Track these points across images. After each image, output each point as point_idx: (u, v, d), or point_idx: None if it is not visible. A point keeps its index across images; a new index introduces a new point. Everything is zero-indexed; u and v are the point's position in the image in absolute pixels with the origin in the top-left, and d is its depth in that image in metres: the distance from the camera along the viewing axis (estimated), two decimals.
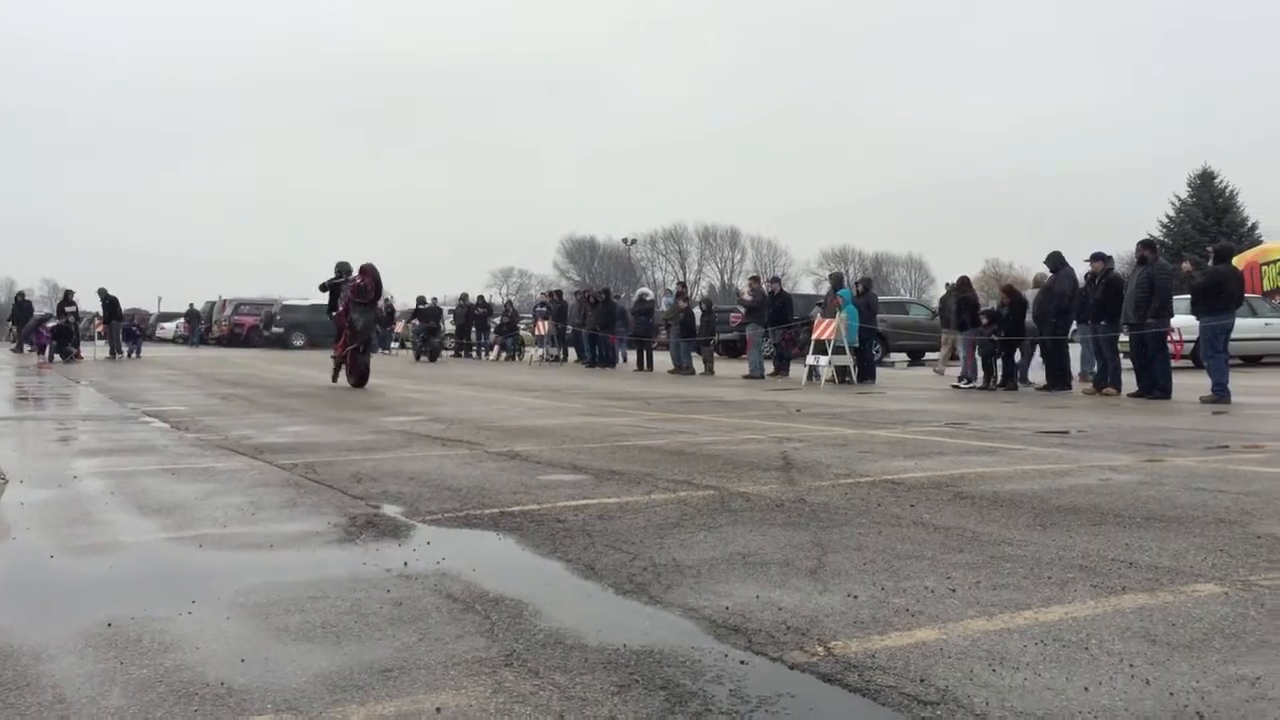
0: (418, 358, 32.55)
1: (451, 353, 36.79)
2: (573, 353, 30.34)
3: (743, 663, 3.14)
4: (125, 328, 33.65)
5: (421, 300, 35.43)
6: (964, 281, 19.98)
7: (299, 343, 44.46)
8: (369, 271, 17.95)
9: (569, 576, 4.29)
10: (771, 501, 5.96)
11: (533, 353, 32.19)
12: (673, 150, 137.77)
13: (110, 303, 32.61)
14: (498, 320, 35.36)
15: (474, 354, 35.82)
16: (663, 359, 25.90)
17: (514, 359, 32.68)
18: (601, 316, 27.30)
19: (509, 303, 42.65)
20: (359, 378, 17.75)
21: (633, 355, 26.86)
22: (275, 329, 45.53)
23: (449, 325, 38.54)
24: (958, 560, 4.45)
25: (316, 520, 5.55)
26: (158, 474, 7.35)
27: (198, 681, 2.99)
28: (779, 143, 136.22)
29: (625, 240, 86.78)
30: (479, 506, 5.87)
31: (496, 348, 34.51)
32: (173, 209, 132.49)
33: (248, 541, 5.04)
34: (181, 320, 53.18)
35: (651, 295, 29.97)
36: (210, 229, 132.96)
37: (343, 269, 18.69)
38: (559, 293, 35.45)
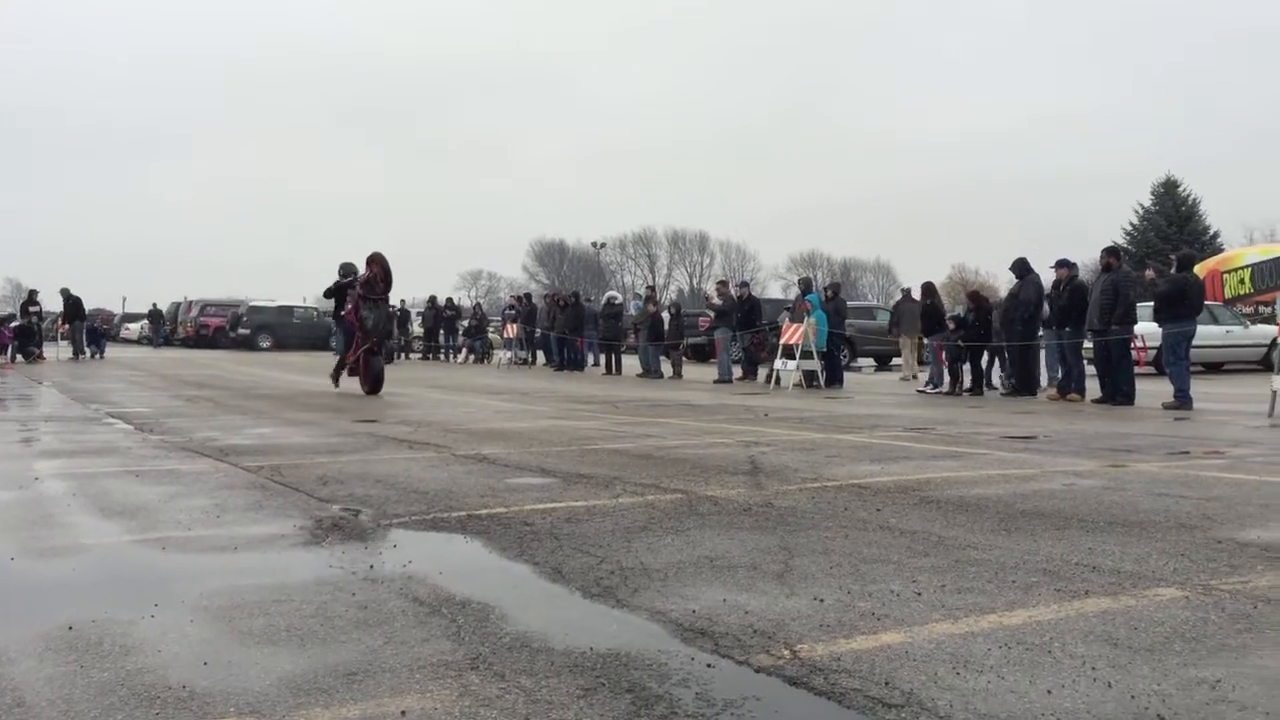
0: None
1: (420, 355, 36.64)
2: (541, 356, 30.30)
3: (709, 666, 3.14)
4: (89, 327, 33.30)
5: None
6: (929, 288, 20.10)
7: (265, 344, 44.13)
8: (378, 261, 16.04)
9: (536, 580, 4.28)
10: (739, 505, 5.98)
11: (501, 355, 32.10)
12: (643, 155, 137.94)
13: (73, 302, 32.25)
14: (466, 323, 35.25)
15: (442, 356, 35.69)
16: (631, 362, 25.91)
17: (482, 362, 32.59)
18: (570, 320, 27.27)
19: (477, 305, 42.51)
20: (373, 384, 15.95)
21: (601, 358, 26.85)
22: (242, 330, 45.17)
23: (417, 328, 38.38)
24: (923, 564, 4.47)
25: (282, 523, 5.51)
26: (121, 476, 7.28)
27: (159, 685, 2.96)
28: (750, 148, 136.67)
29: (595, 244, 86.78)
30: (446, 509, 5.85)
31: (464, 350, 34.41)
32: (158, 209, 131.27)
33: (212, 544, 5.00)
34: (145, 321, 52.64)
35: (620, 299, 29.98)
36: (195, 228, 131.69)
37: (348, 270, 16.90)
38: (528, 295, 35.39)
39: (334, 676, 3.02)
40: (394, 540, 5.08)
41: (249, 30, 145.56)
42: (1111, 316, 14.64)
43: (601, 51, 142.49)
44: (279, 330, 45.40)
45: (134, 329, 55.11)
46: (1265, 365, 21.09)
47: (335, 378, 16.83)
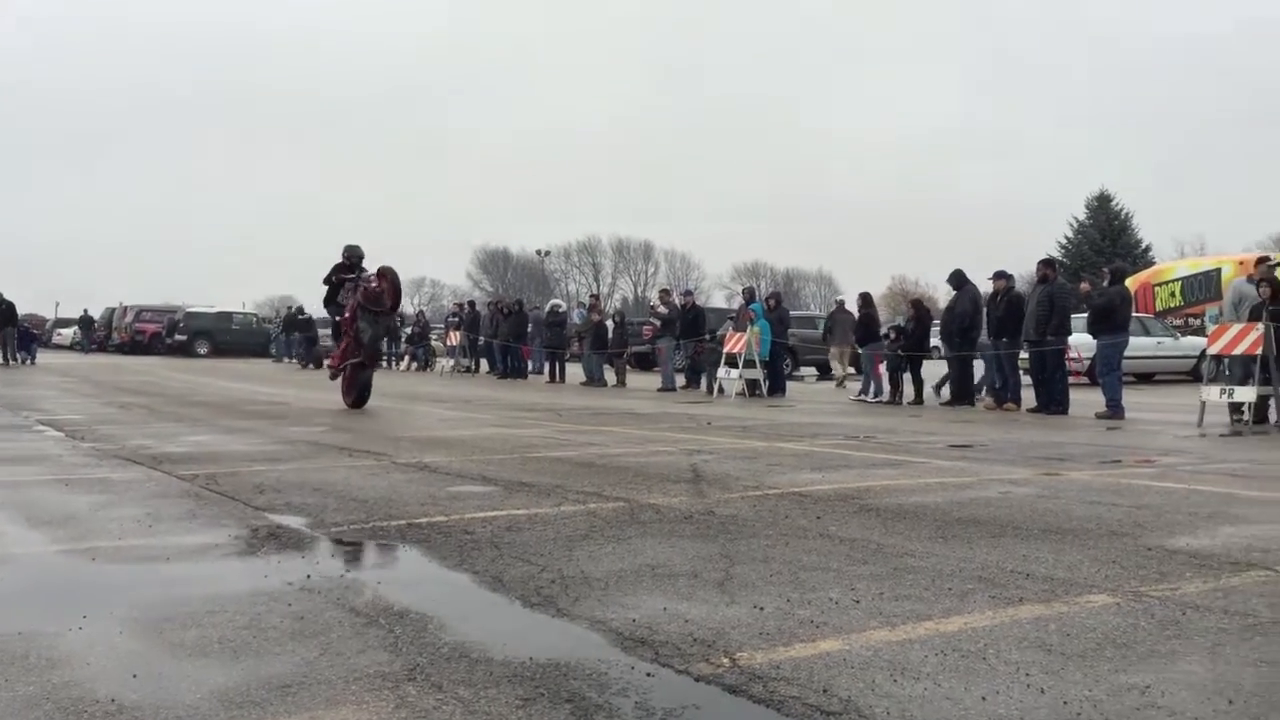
0: (304, 366, 32.71)
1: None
2: (484, 363, 30.15)
3: (649, 675, 3.14)
4: (20, 332, 32.60)
5: (300, 310, 36.06)
6: (865, 298, 20.36)
7: (203, 351, 43.52)
8: (387, 276, 14.74)
9: (476, 589, 4.25)
10: (681, 513, 5.98)
11: (444, 363, 31.92)
12: (588, 163, 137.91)
13: (5, 307, 31.53)
14: (409, 330, 34.99)
15: (384, 364, 35.38)
16: (575, 371, 25.87)
17: (425, 369, 32.36)
18: (514, 327, 27.18)
19: (420, 312, 42.24)
20: (358, 397, 14.81)
21: (545, 366, 26.79)
22: (178, 336, 44.49)
23: None
24: (862, 572, 4.51)
25: (216, 532, 5.42)
26: (50, 484, 7.12)
27: (87, 699, 2.89)
28: (696, 157, 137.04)
29: (539, 251, 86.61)
30: (385, 518, 5.79)
31: (407, 358, 34.14)
32: (79, 209, 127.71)
33: (144, 554, 4.90)
34: (77, 326, 51.63)
35: (564, 306, 29.96)
36: (125, 232, 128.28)
37: (354, 255, 15.13)
38: (471, 303, 35.22)
39: (268, 689, 2.98)
40: (331, 550, 5.02)
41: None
42: (1047, 328, 14.88)
43: (520, 57, 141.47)
44: (217, 336, 44.85)
45: (66, 334, 54.02)
46: (1194, 376, 21.53)
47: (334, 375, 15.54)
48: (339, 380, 15.35)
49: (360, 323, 14.56)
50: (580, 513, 6.00)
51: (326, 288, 15.41)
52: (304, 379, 26.00)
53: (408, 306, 57.23)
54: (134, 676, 3.07)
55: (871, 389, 18.34)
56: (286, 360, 37.76)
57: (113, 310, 50.65)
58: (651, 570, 4.53)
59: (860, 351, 20.29)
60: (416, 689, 2.98)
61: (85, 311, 50.67)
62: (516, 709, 2.83)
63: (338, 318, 15.22)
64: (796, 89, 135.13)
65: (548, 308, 28.90)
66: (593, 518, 5.83)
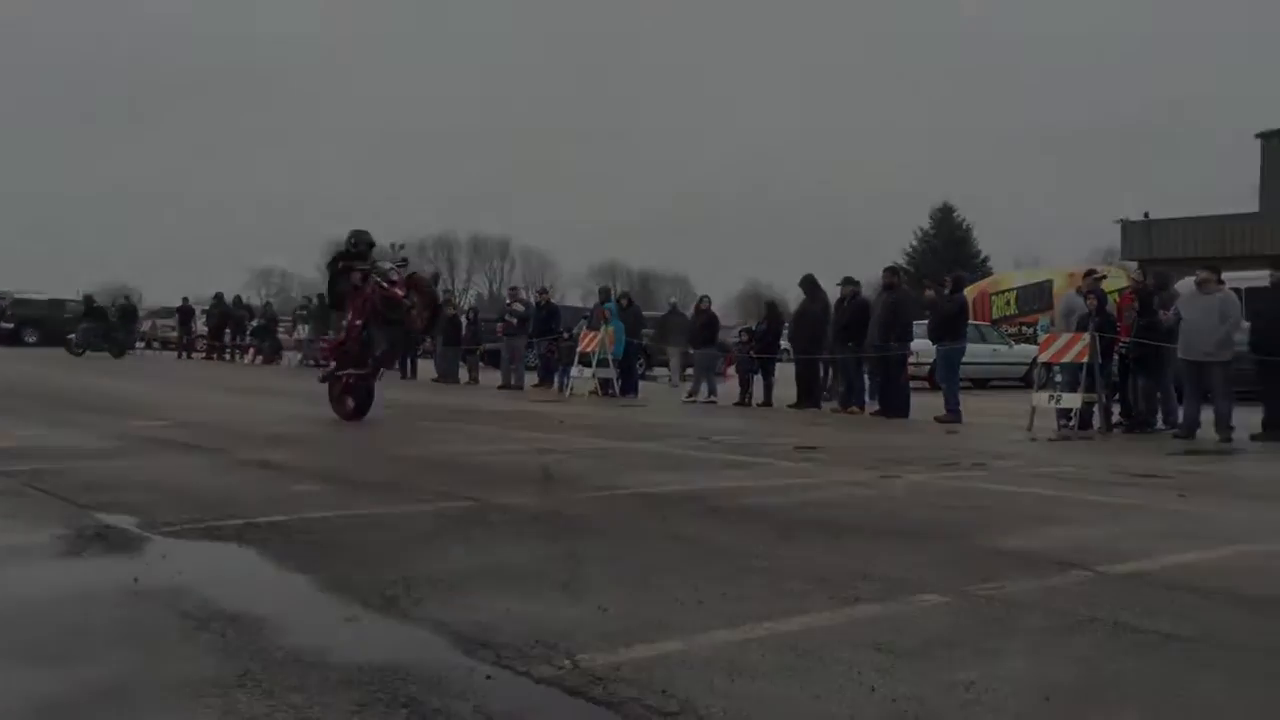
0: (79, 354, 31.20)
1: (204, 355, 35.14)
2: None
3: (489, 677, 3.11)
4: None
5: (90, 299, 35.90)
6: (703, 300, 20.67)
7: (32, 340, 41.30)
8: (422, 289, 12.80)
9: (315, 591, 4.16)
10: (529, 513, 5.96)
11: (290, 356, 31.09)
12: (445, 157, 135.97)
13: None
14: (255, 322, 33.94)
15: (228, 356, 34.27)
16: (426, 367, 25.53)
17: (271, 362, 31.46)
18: None
19: (268, 304, 41.01)
20: (358, 405, 12.27)
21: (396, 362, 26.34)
22: (5, 324, 42.13)
23: (201, 326, 36.72)
24: (706, 572, 4.56)
25: (39, 533, 5.16)
26: None
27: None
28: (554, 155, 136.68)
29: (394, 245, 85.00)
30: (222, 517, 5.60)
31: (252, 351, 33.13)
32: None
33: None
34: None
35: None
36: None
37: (361, 242, 12.80)
38: (321, 295, 34.37)
39: (90, 696, 2.86)
40: (163, 550, 4.82)
41: None
42: (891, 333, 15.33)
43: (375, 43, 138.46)
44: (49, 325, 42.56)
45: None
46: (1026, 383, 22.48)
47: (332, 394, 12.67)
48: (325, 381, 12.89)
49: (374, 330, 12.37)
50: (427, 512, 5.92)
51: (329, 274, 13.12)
52: (121, 367, 25.00)
53: (255, 298, 55.52)
54: None
55: (704, 390, 18.53)
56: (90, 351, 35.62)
57: None
58: (497, 571, 4.50)
59: (692, 352, 20.47)
60: (246, 695, 2.89)
61: None
62: (350, 715, 2.77)
63: (344, 323, 12.95)
64: (647, 90, 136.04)
65: None
66: (440, 517, 5.76)
